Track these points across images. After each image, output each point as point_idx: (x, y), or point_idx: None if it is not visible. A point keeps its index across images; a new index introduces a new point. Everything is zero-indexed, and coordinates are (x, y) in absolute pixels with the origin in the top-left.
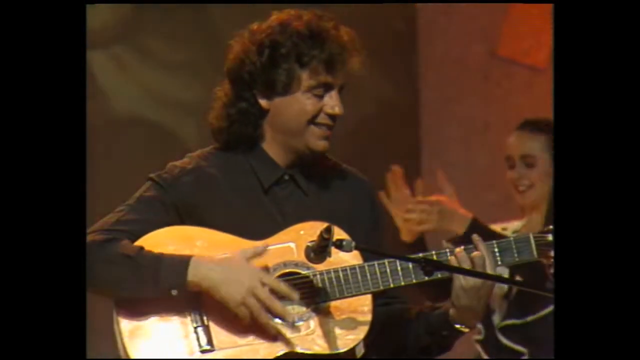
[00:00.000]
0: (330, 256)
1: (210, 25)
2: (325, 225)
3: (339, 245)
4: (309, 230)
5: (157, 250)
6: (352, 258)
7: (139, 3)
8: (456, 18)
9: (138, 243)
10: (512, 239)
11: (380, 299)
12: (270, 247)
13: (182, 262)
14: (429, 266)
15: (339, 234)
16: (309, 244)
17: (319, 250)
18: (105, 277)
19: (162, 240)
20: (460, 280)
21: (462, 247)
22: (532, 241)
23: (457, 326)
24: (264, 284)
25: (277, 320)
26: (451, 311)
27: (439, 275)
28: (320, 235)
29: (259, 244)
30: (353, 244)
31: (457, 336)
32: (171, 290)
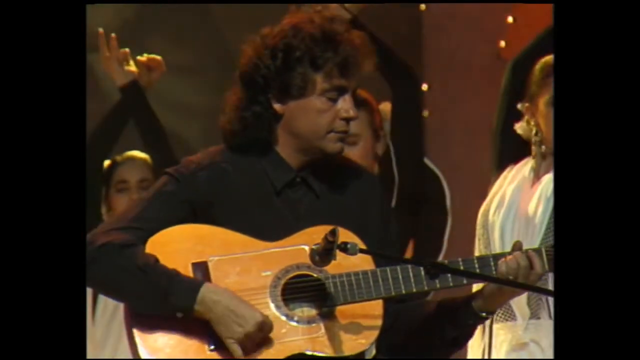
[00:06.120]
0: (335, 259)
1: (213, 26)
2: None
3: (344, 248)
4: (323, 234)
5: (170, 247)
6: (363, 262)
7: (139, 3)
8: (461, 20)
9: (151, 241)
10: (524, 251)
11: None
12: (283, 249)
13: (192, 287)
14: (434, 269)
15: (345, 236)
16: (314, 246)
17: (324, 253)
18: (115, 284)
19: (176, 238)
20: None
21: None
22: (544, 254)
23: (482, 314)
24: (261, 330)
25: (288, 321)
26: (477, 301)
27: (451, 284)
28: (325, 238)
29: (272, 244)
30: (357, 247)
31: (481, 323)
32: (177, 312)
